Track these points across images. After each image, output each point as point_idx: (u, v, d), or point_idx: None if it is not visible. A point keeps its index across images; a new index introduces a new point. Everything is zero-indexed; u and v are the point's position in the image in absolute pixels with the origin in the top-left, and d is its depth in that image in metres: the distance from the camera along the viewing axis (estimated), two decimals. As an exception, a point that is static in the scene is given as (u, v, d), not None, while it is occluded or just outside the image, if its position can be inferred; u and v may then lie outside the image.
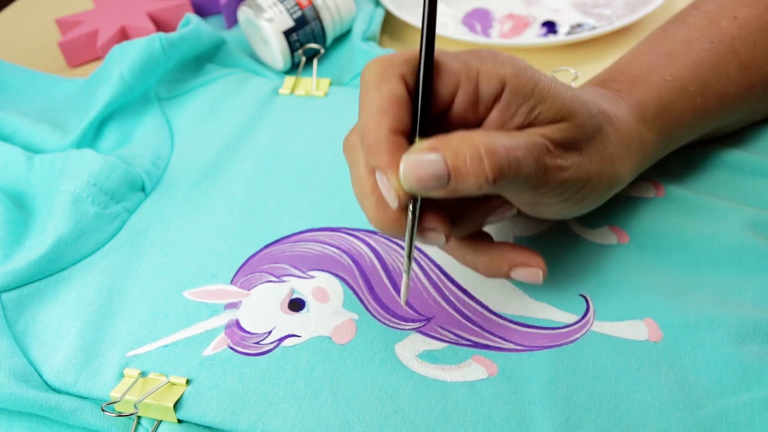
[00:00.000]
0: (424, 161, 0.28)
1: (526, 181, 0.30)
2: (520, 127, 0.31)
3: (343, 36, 0.58)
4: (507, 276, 0.33)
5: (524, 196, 0.32)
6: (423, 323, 0.35)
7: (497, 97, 0.31)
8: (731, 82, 0.39)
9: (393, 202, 0.30)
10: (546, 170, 0.30)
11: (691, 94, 0.38)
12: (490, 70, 0.30)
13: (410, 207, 0.30)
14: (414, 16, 0.58)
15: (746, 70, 0.39)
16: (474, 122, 0.32)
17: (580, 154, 0.32)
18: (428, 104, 0.30)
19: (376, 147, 0.29)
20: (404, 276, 0.32)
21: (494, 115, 0.31)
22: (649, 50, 0.40)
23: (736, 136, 0.43)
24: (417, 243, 0.32)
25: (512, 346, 0.34)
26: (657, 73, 0.38)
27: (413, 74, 0.31)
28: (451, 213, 0.32)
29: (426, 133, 0.30)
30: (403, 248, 0.39)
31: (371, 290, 0.37)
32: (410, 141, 0.30)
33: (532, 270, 0.33)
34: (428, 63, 0.30)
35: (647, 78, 0.38)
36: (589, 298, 0.35)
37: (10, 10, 0.70)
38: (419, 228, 0.31)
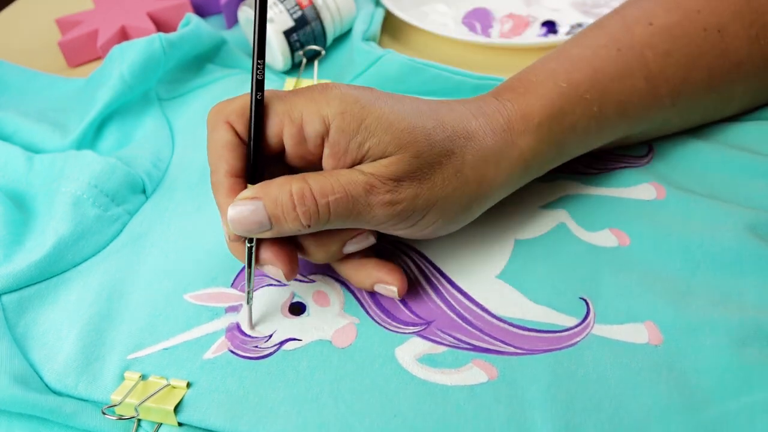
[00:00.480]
0: (247, 209, 0.31)
1: (348, 220, 0.32)
2: (356, 161, 0.32)
3: (344, 36, 0.58)
4: (372, 290, 0.36)
5: (363, 227, 0.34)
6: (423, 327, 0.35)
7: (324, 136, 0.32)
8: (635, 92, 0.38)
9: (227, 237, 0.34)
10: (370, 207, 0.32)
11: (587, 101, 0.37)
12: (312, 111, 0.32)
13: (247, 243, 0.33)
14: (414, 16, 0.58)
15: (653, 80, 0.39)
16: (313, 158, 0.33)
17: (420, 183, 0.33)
18: (259, 149, 0.33)
19: (215, 188, 0.33)
20: (245, 306, 0.36)
21: (327, 152, 0.32)
22: (556, 56, 0.39)
23: (735, 136, 0.43)
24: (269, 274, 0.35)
25: (512, 349, 0.34)
26: (552, 80, 0.37)
27: (241, 119, 0.33)
28: (308, 243, 0.35)
29: (260, 175, 0.33)
30: (403, 252, 0.39)
31: (372, 294, 0.37)
32: (249, 180, 0.33)
33: (390, 287, 0.35)
34: (258, 111, 0.32)
35: (540, 86, 0.37)
36: (589, 301, 0.35)
37: (10, 10, 0.70)
38: (259, 260, 0.34)
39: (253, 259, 0.34)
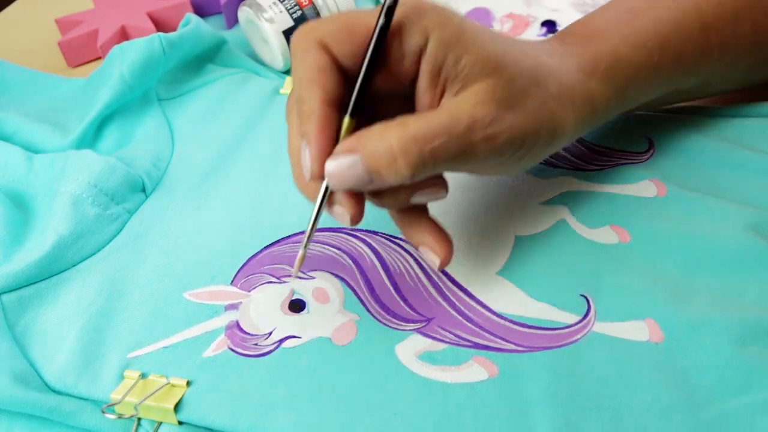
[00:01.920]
0: (345, 165, 0.29)
1: (451, 164, 0.30)
2: (448, 80, 0.31)
3: (344, 35, 0.58)
4: (417, 248, 0.34)
5: (463, 169, 0.32)
6: (423, 324, 0.35)
7: (422, 50, 0.30)
8: (690, 40, 0.39)
9: (306, 175, 0.31)
10: (472, 146, 0.30)
11: (649, 49, 0.38)
12: (413, 22, 0.30)
13: (324, 184, 0.32)
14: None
15: (706, 31, 0.39)
16: (403, 79, 0.31)
17: (514, 112, 0.31)
18: (370, 78, 0.30)
19: (307, 117, 0.30)
20: (300, 249, 0.33)
21: (423, 68, 0.31)
22: (614, 5, 0.40)
23: (737, 133, 0.43)
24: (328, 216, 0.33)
25: (513, 346, 0.34)
26: (616, 28, 0.38)
27: (335, 39, 0.30)
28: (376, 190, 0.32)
29: (362, 108, 0.31)
30: (404, 249, 0.39)
31: (372, 291, 0.37)
32: (345, 110, 0.31)
33: (434, 256, 0.33)
34: (380, 38, 0.30)
35: (605, 32, 0.38)
36: (590, 298, 0.35)
37: (10, 10, 0.70)
38: (329, 200, 0.32)
39: (325, 199, 0.32)
